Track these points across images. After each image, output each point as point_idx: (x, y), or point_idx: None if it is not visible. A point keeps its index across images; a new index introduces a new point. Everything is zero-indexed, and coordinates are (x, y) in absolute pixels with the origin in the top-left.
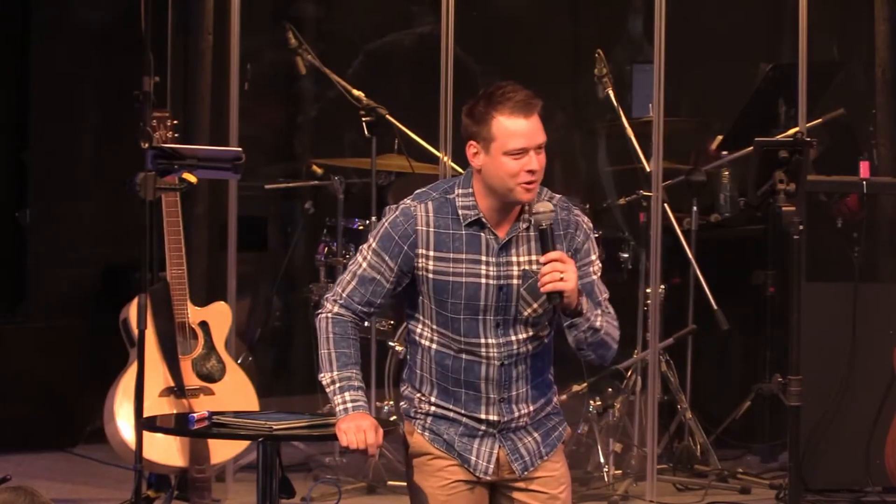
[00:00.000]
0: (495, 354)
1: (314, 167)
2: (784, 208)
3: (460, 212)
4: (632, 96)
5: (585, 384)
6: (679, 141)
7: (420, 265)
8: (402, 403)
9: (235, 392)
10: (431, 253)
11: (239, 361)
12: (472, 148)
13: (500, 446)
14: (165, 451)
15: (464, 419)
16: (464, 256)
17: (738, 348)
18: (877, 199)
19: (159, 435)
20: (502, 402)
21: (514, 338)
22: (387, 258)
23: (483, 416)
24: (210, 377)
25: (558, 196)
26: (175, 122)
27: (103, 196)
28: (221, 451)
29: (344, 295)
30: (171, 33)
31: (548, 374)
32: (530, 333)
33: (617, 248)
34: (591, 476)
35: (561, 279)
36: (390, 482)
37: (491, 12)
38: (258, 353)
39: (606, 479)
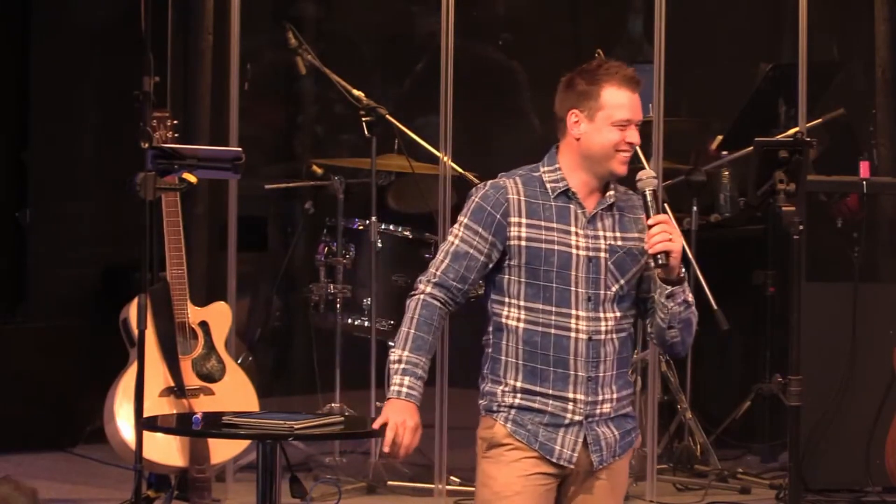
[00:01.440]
0: (584, 328)
1: (314, 167)
2: (784, 208)
3: (548, 185)
4: None
5: None
6: (679, 141)
7: (513, 234)
8: (481, 401)
9: (235, 392)
10: (524, 220)
11: (239, 361)
12: (573, 116)
13: (585, 434)
14: (165, 451)
15: (550, 406)
16: (555, 225)
17: (738, 348)
18: (877, 199)
19: (159, 435)
20: (590, 382)
21: (602, 315)
22: (480, 230)
23: (571, 395)
24: (210, 377)
25: (623, 187)
26: (175, 122)
27: (103, 196)
28: (221, 451)
29: (438, 273)
30: (171, 33)
31: (627, 373)
32: (617, 314)
33: None
34: None
35: (669, 240)
36: (390, 482)
37: (491, 12)
38: (258, 353)
39: None
